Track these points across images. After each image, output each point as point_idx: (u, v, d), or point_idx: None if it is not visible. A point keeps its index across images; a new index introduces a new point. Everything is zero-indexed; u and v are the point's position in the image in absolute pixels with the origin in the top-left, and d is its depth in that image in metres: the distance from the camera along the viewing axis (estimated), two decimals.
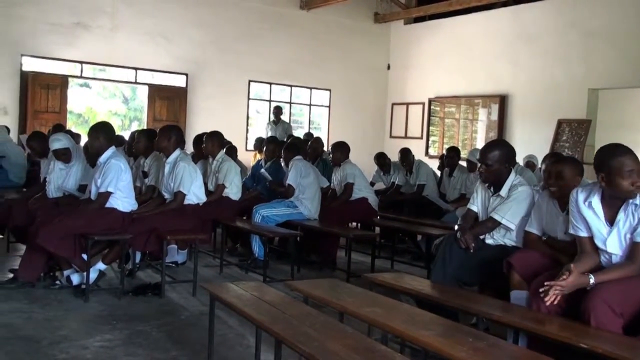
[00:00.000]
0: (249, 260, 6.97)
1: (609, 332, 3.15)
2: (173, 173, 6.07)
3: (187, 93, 14.47)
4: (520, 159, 8.57)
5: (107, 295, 5.45)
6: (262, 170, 7.79)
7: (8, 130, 9.97)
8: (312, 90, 16.48)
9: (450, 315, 3.75)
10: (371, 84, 17.00)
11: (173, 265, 6.63)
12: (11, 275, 5.63)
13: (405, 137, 16.39)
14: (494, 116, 14.13)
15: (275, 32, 15.43)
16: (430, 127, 16.01)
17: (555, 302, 3.37)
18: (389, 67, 17.25)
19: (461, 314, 4.03)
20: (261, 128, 14.38)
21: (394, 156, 9.59)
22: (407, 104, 16.65)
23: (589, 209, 3.55)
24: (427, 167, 9.09)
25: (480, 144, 14.09)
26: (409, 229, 7.56)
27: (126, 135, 9.58)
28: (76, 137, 9.63)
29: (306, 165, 7.31)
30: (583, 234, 3.61)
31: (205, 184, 7.08)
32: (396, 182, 9.12)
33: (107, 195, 5.51)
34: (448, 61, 15.34)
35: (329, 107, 16.67)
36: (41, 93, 13.00)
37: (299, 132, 15.09)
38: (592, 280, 3.33)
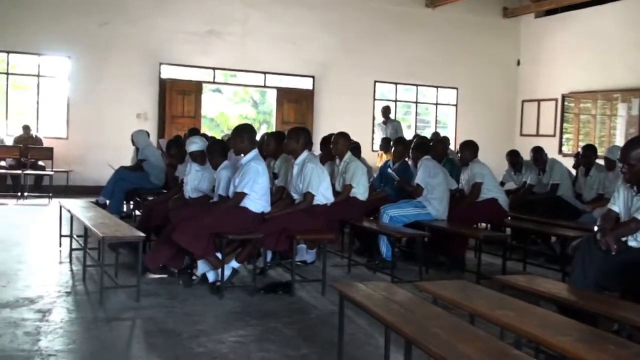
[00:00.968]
0: (377, 261, 6.97)
1: None
2: (301, 174, 6.18)
3: (314, 95, 14.72)
4: None
5: (240, 293, 5.64)
6: (390, 170, 7.78)
7: (148, 134, 10.56)
8: (439, 89, 16.27)
9: (588, 321, 3.56)
10: (500, 81, 16.54)
11: (302, 264, 6.75)
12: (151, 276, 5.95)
13: (537, 134, 15.81)
14: (635, 111, 13.33)
15: (401, 31, 15.37)
16: (564, 124, 15.34)
17: None
18: (518, 63, 16.72)
19: (601, 320, 3.82)
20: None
21: (525, 155, 9.28)
22: (539, 101, 16.05)
23: None
24: (561, 165, 8.71)
25: (619, 141, 13.33)
26: (542, 230, 7.29)
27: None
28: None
29: (435, 165, 7.21)
30: None
31: (333, 185, 7.18)
32: (528, 182, 8.83)
33: (241, 195, 5.70)
34: (583, 54, 14.64)
35: (456, 105, 16.40)
36: (177, 99, 13.71)
37: (426, 132, 14.95)
38: None
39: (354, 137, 7.86)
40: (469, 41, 16.07)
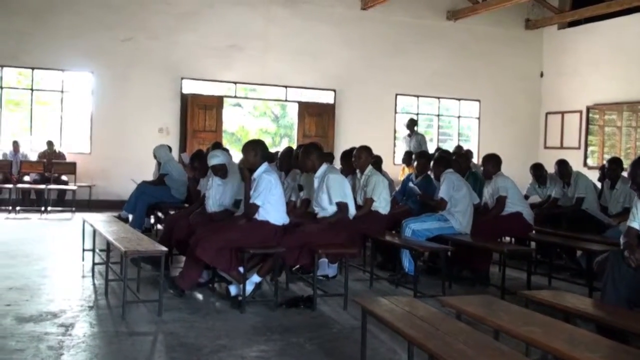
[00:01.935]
0: (399, 275, 6.94)
1: None
2: (324, 186, 6.20)
3: (335, 108, 14.75)
4: None
5: (261, 307, 5.63)
6: (412, 184, 7.76)
7: (170, 149, 10.63)
8: (461, 101, 16.24)
9: (617, 338, 3.50)
10: (523, 93, 16.46)
11: (324, 278, 6.74)
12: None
13: (561, 147, 15.68)
14: None
15: (422, 44, 15.38)
16: (589, 136, 15.20)
17: None
18: (542, 75, 16.63)
19: (631, 337, 3.76)
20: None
21: (549, 168, 9.21)
22: (563, 113, 15.93)
23: None
24: (586, 178, 8.62)
25: None
26: (568, 244, 7.23)
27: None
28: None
29: (459, 178, 7.18)
30: None
31: (354, 199, 7.17)
32: (553, 195, 8.75)
33: (254, 207, 5.72)
34: (607, 65, 14.52)
35: (478, 118, 16.34)
36: (199, 113, 13.80)
37: (448, 145, 14.90)
38: None
39: (375, 151, 7.85)
40: (491, 53, 16.03)
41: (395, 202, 8.01)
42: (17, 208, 11.95)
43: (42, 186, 12.01)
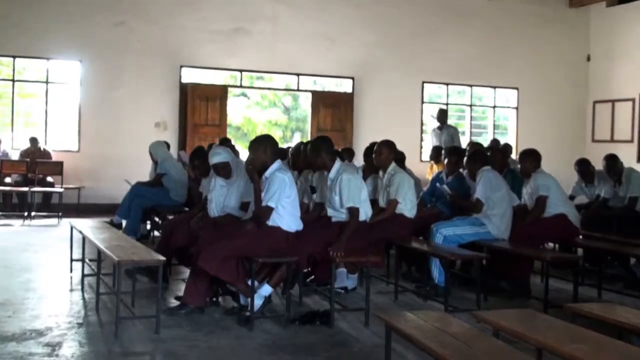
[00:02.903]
0: (428, 287, 6.92)
1: None
2: (337, 187, 6.20)
3: (354, 98, 14.74)
4: None
5: (272, 324, 5.64)
6: (442, 185, 7.72)
7: (168, 146, 10.68)
8: (497, 89, 16.19)
9: None
10: (567, 80, 16.38)
11: (342, 291, 6.73)
12: (176, 302, 5.99)
13: (612, 140, 15.60)
14: None
15: (453, 26, 15.35)
16: None
17: None
18: (588, 59, 16.54)
19: None
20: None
21: (597, 164, 9.14)
22: (613, 101, 15.83)
23: None
24: None
25: None
26: (620, 251, 7.19)
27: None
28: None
29: (497, 176, 7.14)
30: None
31: (377, 201, 7.16)
32: (602, 195, 8.70)
33: (267, 210, 5.70)
34: None
35: (516, 108, 16.28)
36: (200, 105, 13.83)
37: (483, 139, 14.85)
38: None
39: (400, 146, 7.84)
40: (531, 35, 15.95)
41: (423, 204, 7.99)
42: None
43: (25, 188, 12.10)
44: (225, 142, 10.06)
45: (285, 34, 14.30)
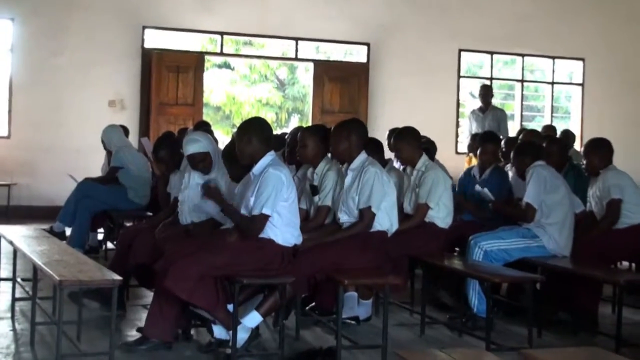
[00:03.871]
0: (464, 318, 6.93)
1: None
2: (358, 183, 6.19)
3: (369, 71, 14.70)
4: None
5: None
6: (480, 187, 7.66)
7: (126, 131, 10.67)
8: (556, 60, 16.16)
9: None
10: None
11: (352, 322, 6.74)
12: (136, 335, 5.99)
13: None
14: None
15: None
16: None
17: None
18: None
19: None
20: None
21: None
22: None
23: None
24: None
25: None
26: None
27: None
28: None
29: (553, 175, 7.14)
30: None
31: (401, 205, 7.15)
32: None
33: (262, 219, 5.68)
34: None
35: (581, 85, 16.27)
36: (169, 78, 13.80)
37: (537, 125, 14.84)
38: None
39: (429, 133, 7.83)
40: None
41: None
42: None
43: None
44: (202, 127, 10.01)
45: None
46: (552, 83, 16.35)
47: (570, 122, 15.94)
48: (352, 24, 14.62)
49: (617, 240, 7.26)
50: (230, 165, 6.37)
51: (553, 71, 16.26)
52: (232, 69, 20.64)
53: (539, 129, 11.70)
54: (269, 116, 19.74)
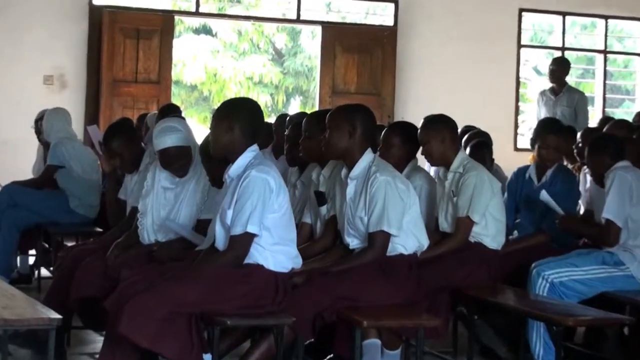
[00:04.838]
0: None
1: None
2: (365, 197, 6.19)
3: (397, 38, 14.72)
4: None
5: None
6: (547, 195, 7.65)
7: (67, 117, 10.61)
8: None
9: None
10: None
11: None
12: None
13: None
14: None
15: None
16: None
17: None
18: None
19: None
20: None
21: None
22: None
23: None
24: None
25: None
26: None
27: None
28: None
29: None
30: None
31: (435, 220, 7.17)
32: None
33: (245, 240, 5.70)
34: None
35: None
36: (125, 46, 13.83)
37: (623, 112, 14.82)
38: None
39: (479, 123, 7.84)
40: None
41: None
42: None
43: None
44: (170, 112, 9.92)
45: None
46: None
47: None
48: None
49: None
50: (209, 166, 6.35)
51: None
52: (214, 35, 20.62)
53: (629, 118, 11.69)
54: (262, 99, 19.67)
